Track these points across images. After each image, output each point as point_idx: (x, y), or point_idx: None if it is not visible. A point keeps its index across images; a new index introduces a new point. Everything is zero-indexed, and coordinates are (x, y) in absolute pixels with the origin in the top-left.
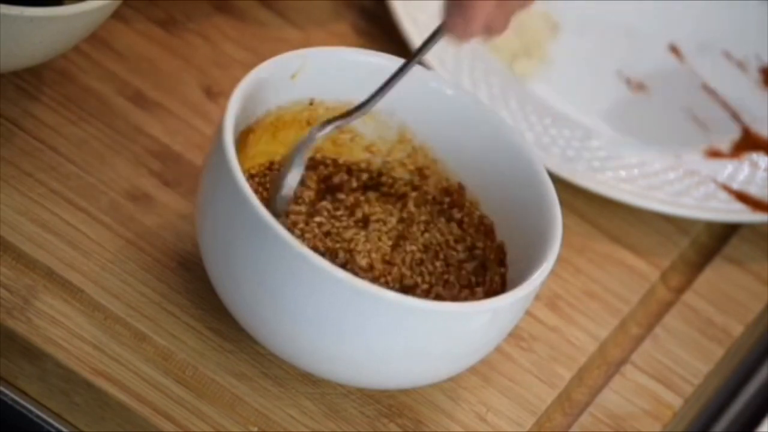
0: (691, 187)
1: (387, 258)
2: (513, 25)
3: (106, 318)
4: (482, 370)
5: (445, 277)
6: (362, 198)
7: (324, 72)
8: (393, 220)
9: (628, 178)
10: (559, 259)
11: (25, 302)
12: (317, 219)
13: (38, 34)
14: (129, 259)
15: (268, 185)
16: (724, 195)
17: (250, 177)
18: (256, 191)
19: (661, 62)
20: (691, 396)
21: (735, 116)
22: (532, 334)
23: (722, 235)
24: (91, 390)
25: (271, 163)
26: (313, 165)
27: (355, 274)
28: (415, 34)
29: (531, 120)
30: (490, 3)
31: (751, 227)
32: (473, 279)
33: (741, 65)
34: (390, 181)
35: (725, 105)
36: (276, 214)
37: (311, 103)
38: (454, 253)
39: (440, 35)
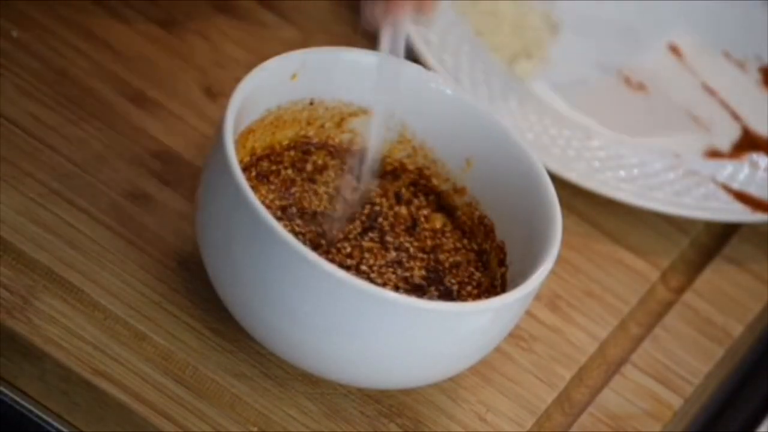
0: (691, 187)
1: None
2: (513, 25)
3: (106, 318)
4: (482, 370)
5: (449, 278)
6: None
7: (324, 72)
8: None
9: (628, 178)
10: (559, 259)
11: (25, 302)
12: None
13: None
14: (129, 259)
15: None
16: (724, 195)
17: (248, 171)
18: (255, 189)
19: (661, 62)
20: (691, 396)
21: (735, 116)
22: (532, 334)
23: (722, 235)
24: (91, 390)
25: (272, 149)
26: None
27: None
28: (415, 33)
29: (531, 120)
30: None
31: (751, 227)
32: (474, 279)
33: (741, 65)
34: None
35: (725, 105)
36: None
37: (311, 103)
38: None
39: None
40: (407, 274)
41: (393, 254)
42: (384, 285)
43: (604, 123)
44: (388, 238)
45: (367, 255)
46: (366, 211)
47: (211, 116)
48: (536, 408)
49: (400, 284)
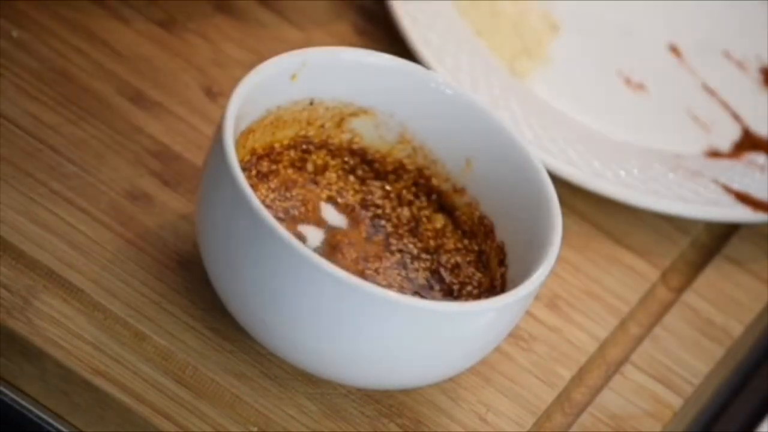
0: (691, 188)
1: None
2: (513, 25)
3: (106, 318)
4: (482, 370)
5: (447, 278)
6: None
7: (324, 72)
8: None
9: (628, 178)
10: (559, 259)
11: (25, 302)
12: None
13: None
14: (129, 259)
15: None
16: (724, 195)
17: (248, 170)
18: (255, 189)
19: (661, 62)
20: (691, 396)
21: (735, 116)
22: (532, 334)
23: (722, 235)
24: (91, 390)
25: (272, 148)
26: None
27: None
28: (415, 33)
29: (531, 120)
30: None
31: (751, 227)
32: (475, 279)
33: (741, 65)
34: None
35: (725, 105)
36: None
37: (311, 103)
38: (454, 254)
39: None
40: (412, 275)
41: (397, 256)
42: (389, 286)
43: (604, 123)
44: (392, 240)
45: (371, 259)
46: (370, 214)
47: (211, 116)
48: (536, 408)
49: (405, 285)
